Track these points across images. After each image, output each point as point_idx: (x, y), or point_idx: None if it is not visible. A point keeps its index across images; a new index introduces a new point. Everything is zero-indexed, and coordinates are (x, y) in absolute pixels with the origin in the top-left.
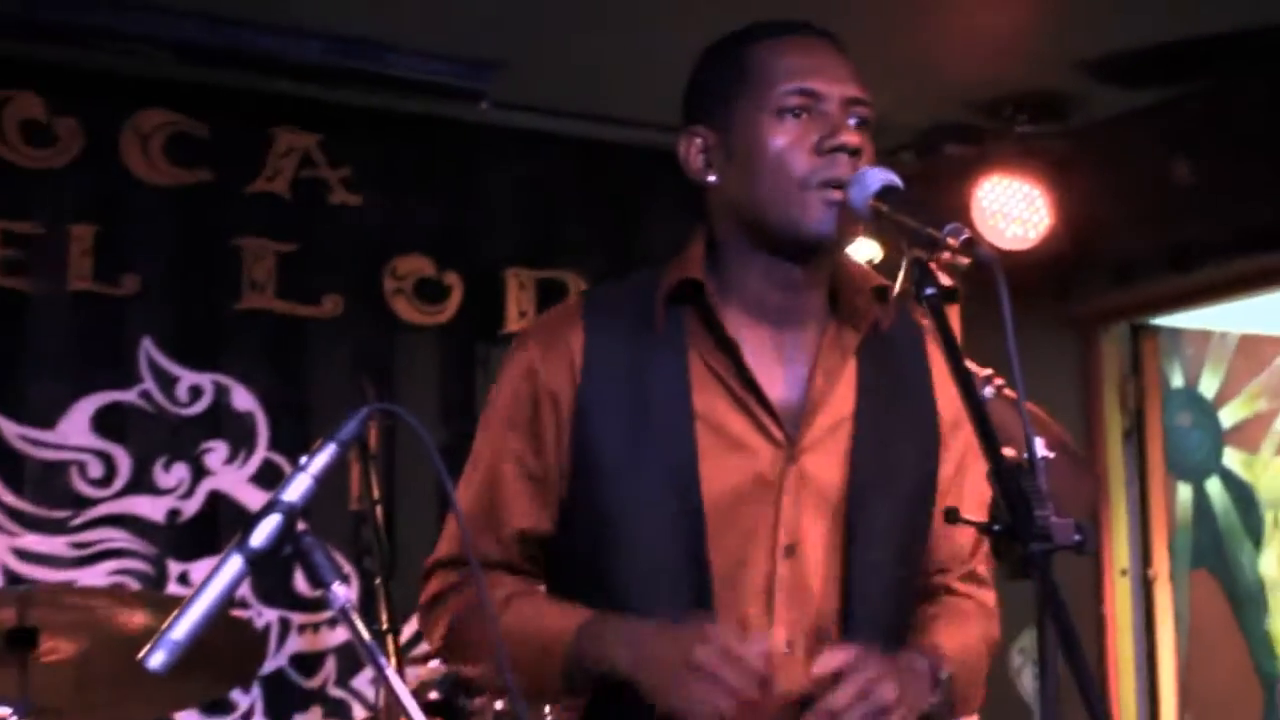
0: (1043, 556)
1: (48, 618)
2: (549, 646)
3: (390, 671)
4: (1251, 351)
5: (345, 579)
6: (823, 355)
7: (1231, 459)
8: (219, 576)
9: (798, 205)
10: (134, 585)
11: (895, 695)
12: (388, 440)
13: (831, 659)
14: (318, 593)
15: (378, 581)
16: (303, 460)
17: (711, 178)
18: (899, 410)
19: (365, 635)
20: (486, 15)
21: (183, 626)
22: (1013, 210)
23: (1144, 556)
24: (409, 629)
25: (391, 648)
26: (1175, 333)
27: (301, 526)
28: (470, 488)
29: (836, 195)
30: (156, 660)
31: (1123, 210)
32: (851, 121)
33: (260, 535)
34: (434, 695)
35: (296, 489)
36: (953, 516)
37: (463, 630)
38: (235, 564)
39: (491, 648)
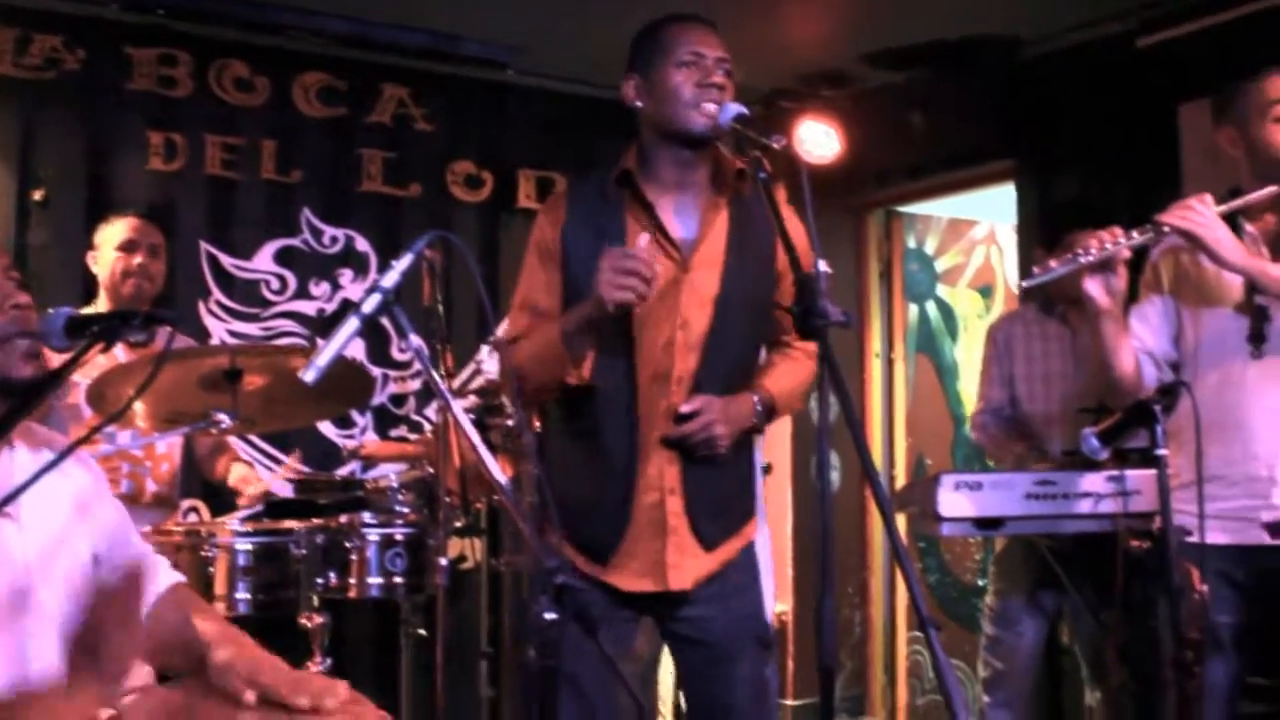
0: (823, 327)
1: (248, 364)
2: (552, 332)
3: (448, 395)
4: (954, 228)
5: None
6: (705, 211)
7: (941, 290)
8: (343, 329)
9: (685, 115)
10: None
11: (724, 429)
12: (445, 263)
13: (692, 400)
14: (404, 356)
15: (439, 348)
16: (393, 263)
17: (639, 104)
18: (751, 246)
19: (433, 371)
20: (513, 18)
21: (323, 357)
22: (818, 140)
23: (889, 345)
24: (458, 380)
25: (447, 386)
26: (912, 216)
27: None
28: (520, 287)
29: (711, 109)
30: (308, 376)
31: (881, 143)
32: (719, 71)
33: (368, 305)
34: (471, 417)
35: (389, 279)
36: (775, 306)
37: (518, 357)
38: (353, 322)
39: (532, 357)
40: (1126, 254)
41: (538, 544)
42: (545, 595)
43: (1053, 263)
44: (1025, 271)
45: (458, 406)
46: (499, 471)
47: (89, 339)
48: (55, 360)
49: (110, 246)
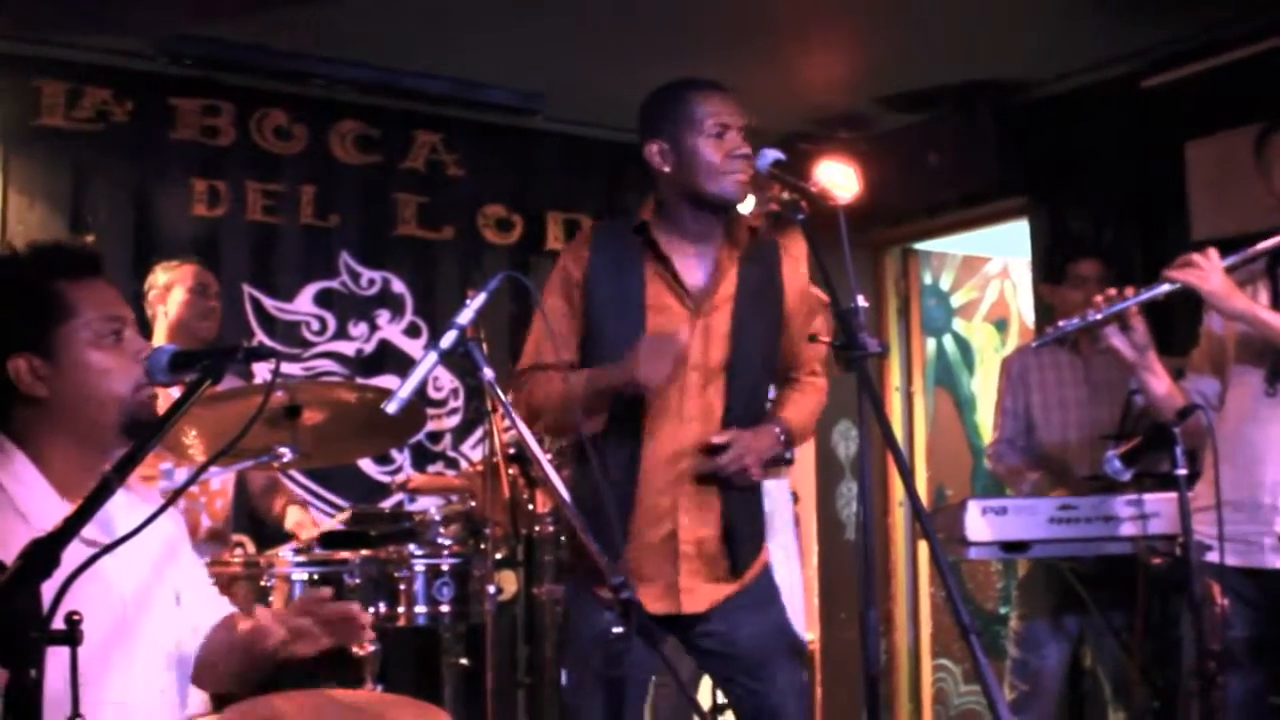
0: (862, 357)
1: (306, 398)
2: (577, 385)
3: (519, 421)
4: (969, 264)
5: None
6: (719, 262)
7: (958, 325)
8: (424, 364)
9: (718, 182)
10: None
11: (754, 459)
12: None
13: (722, 434)
14: (440, 395)
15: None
16: (468, 300)
17: (666, 169)
18: (760, 294)
19: (502, 396)
20: (540, 65)
21: (405, 390)
22: (837, 180)
23: (908, 379)
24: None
25: (499, 417)
26: (928, 253)
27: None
28: (540, 322)
29: (740, 177)
30: (391, 408)
31: (898, 183)
32: (740, 137)
33: (446, 340)
34: (511, 451)
35: (465, 316)
36: (814, 339)
37: (536, 392)
38: (431, 357)
39: (553, 401)
40: (1134, 309)
41: (601, 561)
42: (610, 610)
43: (1061, 322)
44: (1039, 304)
45: (529, 433)
46: (564, 489)
47: (200, 374)
48: (161, 395)
49: (183, 289)
